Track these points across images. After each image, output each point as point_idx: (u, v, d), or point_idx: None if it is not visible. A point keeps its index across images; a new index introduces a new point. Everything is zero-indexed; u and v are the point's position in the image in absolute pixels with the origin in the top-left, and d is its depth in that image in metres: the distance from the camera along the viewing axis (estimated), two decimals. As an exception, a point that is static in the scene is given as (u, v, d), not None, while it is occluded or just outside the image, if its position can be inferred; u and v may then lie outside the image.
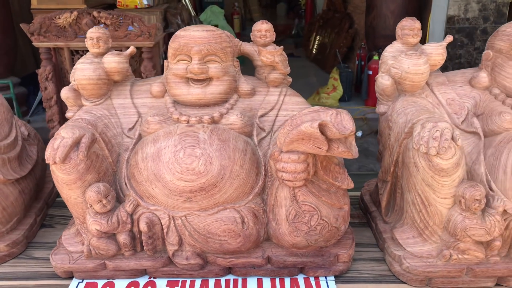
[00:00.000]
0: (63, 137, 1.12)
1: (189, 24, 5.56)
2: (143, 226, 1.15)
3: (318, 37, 6.30)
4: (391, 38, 1.42)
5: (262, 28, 1.32)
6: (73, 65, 2.41)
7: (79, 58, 2.44)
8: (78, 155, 1.12)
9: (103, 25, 2.59)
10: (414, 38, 1.32)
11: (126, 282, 1.21)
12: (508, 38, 1.25)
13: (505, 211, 1.13)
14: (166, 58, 1.31)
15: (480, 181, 1.17)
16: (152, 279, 1.22)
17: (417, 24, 1.32)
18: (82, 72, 1.28)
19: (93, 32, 1.33)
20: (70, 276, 1.23)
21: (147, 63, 2.58)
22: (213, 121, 1.22)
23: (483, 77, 1.29)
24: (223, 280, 1.22)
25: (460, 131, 1.25)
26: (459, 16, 3.47)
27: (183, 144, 1.14)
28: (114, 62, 1.30)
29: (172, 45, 1.26)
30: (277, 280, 1.21)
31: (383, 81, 1.29)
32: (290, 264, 1.21)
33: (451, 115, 1.27)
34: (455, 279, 1.18)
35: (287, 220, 1.14)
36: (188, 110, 1.26)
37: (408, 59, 1.25)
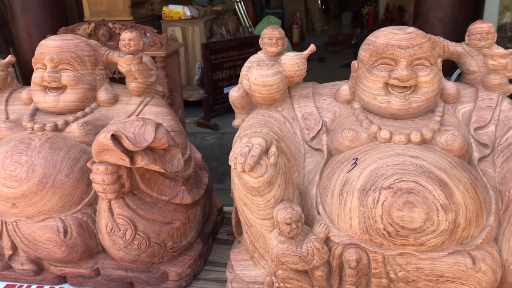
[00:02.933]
0: None
1: (235, 34, 5.64)
2: (-26, 230, 1.19)
3: (375, 47, 6.14)
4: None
5: (126, 37, 1.32)
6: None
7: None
8: None
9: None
10: (273, 47, 1.24)
11: (-32, 283, 1.26)
12: (368, 47, 1.13)
13: (329, 238, 1.02)
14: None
15: (310, 203, 1.07)
16: (-7, 281, 1.26)
17: (275, 33, 1.24)
18: (-40, 81, 1.35)
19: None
20: None
21: (160, 72, 2.68)
22: (57, 129, 1.23)
23: (344, 89, 1.18)
24: (56, 288, 1.22)
25: (307, 148, 1.15)
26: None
27: (13, 151, 1.16)
28: (-12, 70, 1.36)
29: (35, 54, 1.29)
30: (107, 294, 1.19)
31: (232, 93, 1.22)
32: (117, 278, 1.18)
33: (303, 130, 1.17)
34: (278, 309, 1.08)
35: (107, 233, 1.12)
36: (44, 118, 1.28)
37: (257, 70, 1.17)
